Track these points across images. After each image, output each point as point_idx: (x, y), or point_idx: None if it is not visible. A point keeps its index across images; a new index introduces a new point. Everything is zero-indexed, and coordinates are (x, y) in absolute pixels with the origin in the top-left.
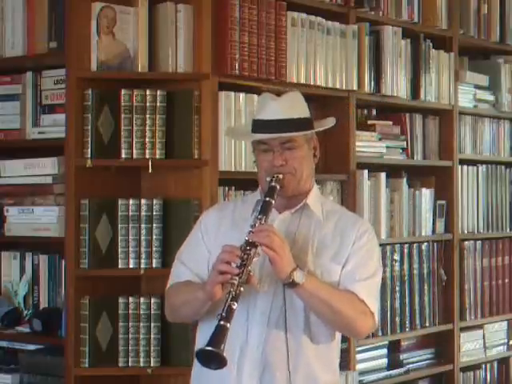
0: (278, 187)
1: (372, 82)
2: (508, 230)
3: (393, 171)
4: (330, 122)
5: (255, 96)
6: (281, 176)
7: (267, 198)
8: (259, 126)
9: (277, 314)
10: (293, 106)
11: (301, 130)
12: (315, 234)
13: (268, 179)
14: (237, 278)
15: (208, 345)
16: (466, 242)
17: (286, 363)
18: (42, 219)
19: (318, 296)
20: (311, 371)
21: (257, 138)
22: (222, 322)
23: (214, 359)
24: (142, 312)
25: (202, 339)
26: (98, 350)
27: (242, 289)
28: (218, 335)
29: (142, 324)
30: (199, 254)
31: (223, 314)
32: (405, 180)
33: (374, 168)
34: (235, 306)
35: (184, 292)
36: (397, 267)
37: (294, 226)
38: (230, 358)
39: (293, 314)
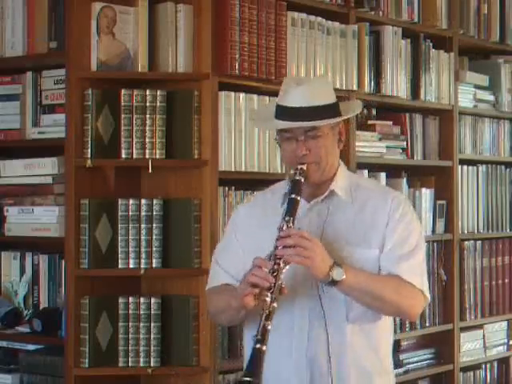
0: (302, 180)
1: (372, 82)
2: (508, 229)
3: (393, 171)
4: (356, 108)
5: (255, 96)
6: (304, 167)
7: (292, 195)
8: (282, 112)
9: (317, 309)
10: (317, 92)
11: (325, 117)
12: (345, 221)
13: (292, 172)
14: (269, 294)
15: (247, 375)
16: (466, 242)
17: (327, 353)
18: (42, 219)
19: (360, 289)
20: (357, 357)
21: (279, 126)
22: (257, 345)
23: None
24: (142, 312)
25: (248, 348)
26: (98, 350)
27: (275, 305)
28: (256, 361)
29: (141, 324)
30: (234, 255)
31: (259, 337)
32: (405, 180)
33: (374, 168)
34: (270, 326)
35: (219, 299)
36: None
37: (324, 215)
38: (280, 361)
39: (332, 301)
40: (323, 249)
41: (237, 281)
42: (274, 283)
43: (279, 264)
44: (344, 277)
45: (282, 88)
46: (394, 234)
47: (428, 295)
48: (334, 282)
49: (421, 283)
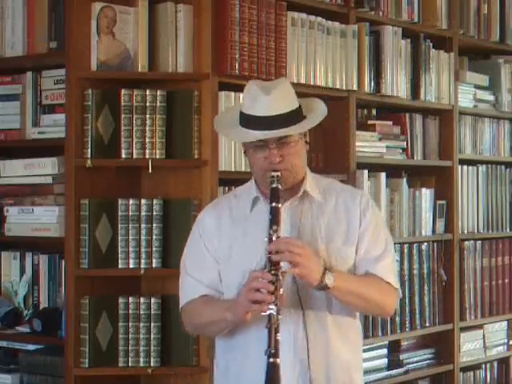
0: (280, 187)
1: (372, 82)
2: (508, 229)
3: (393, 171)
4: (322, 111)
5: None
6: (279, 173)
7: (274, 204)
8: (252, 121)
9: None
10: (285, 98)
11: (295, 123)
12: (320, 220)
13: (268, 180)
14: (274, 306)
15: None
16: (466, 242)
17: (306, 352)
18: (42, 219)
19: (349, 291)
20: (336, 350)
21: (257, 137)
22: (271, 360)
23: None
24: (142, 312)
25: (221, 360)
26: (98, 350)
27: (280, 316)
28: (273, 375)
29: (141, 324)
30: (206, 264)
31: (272, 351)
32: (405, 180)
33: (374, 168)
34: (279, 337)
35: (207, 311)
36: (397, 267)
37: (298, 216)
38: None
39: (312, 300)
40: (315, 256)
41: (215, 290)
42: (276, 295)
43: (277, 275)
44: (335, 283)
45: (246, 95)
46: (366, 236)
47: (400, 291)
48: (325, 287)
49: (396, 282)
